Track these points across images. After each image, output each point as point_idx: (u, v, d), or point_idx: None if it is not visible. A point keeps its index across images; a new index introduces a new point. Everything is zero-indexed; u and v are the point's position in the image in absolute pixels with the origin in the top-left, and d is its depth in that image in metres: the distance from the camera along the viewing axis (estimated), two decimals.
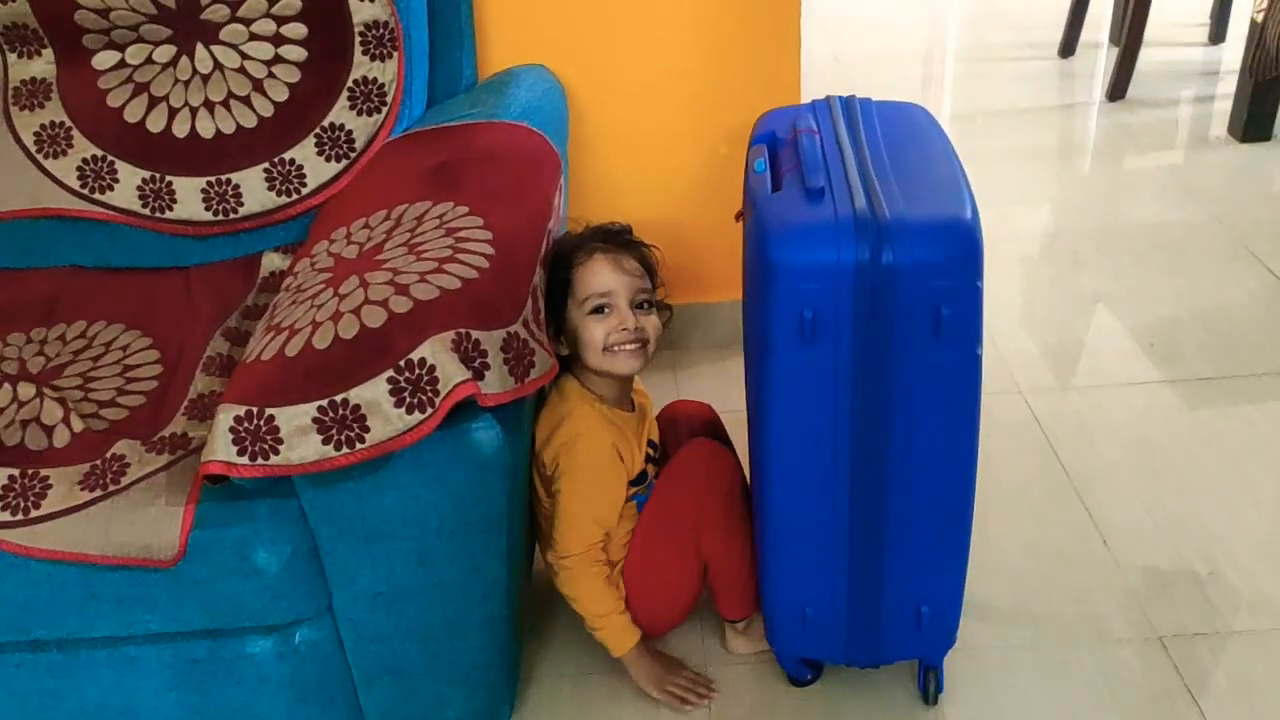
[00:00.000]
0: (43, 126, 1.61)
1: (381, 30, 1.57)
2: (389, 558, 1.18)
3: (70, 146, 1.61)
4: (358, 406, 1.08)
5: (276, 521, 1.16)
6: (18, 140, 1.61)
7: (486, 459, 1.14)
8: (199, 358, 1.44)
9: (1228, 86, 3.01)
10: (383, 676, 1.28)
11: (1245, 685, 1.41)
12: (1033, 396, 1.97)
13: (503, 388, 1.15)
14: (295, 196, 1.61)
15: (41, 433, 1.29)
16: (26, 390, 1.36)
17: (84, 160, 1.61)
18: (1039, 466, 1.81)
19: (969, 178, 1.21)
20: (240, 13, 1.56)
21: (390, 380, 1.09)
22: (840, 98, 1.41)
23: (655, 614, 1.48)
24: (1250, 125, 2.85)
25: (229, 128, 1.59)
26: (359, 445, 1.08)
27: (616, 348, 1.37)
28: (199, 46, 1.58)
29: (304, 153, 1.59)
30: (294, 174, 1.60)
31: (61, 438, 1.29)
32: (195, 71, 1.58)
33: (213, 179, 1.60)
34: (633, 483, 1.43)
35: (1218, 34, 3.53)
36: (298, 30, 1.56)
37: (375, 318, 1.12)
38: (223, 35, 1.57)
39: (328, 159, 1.60)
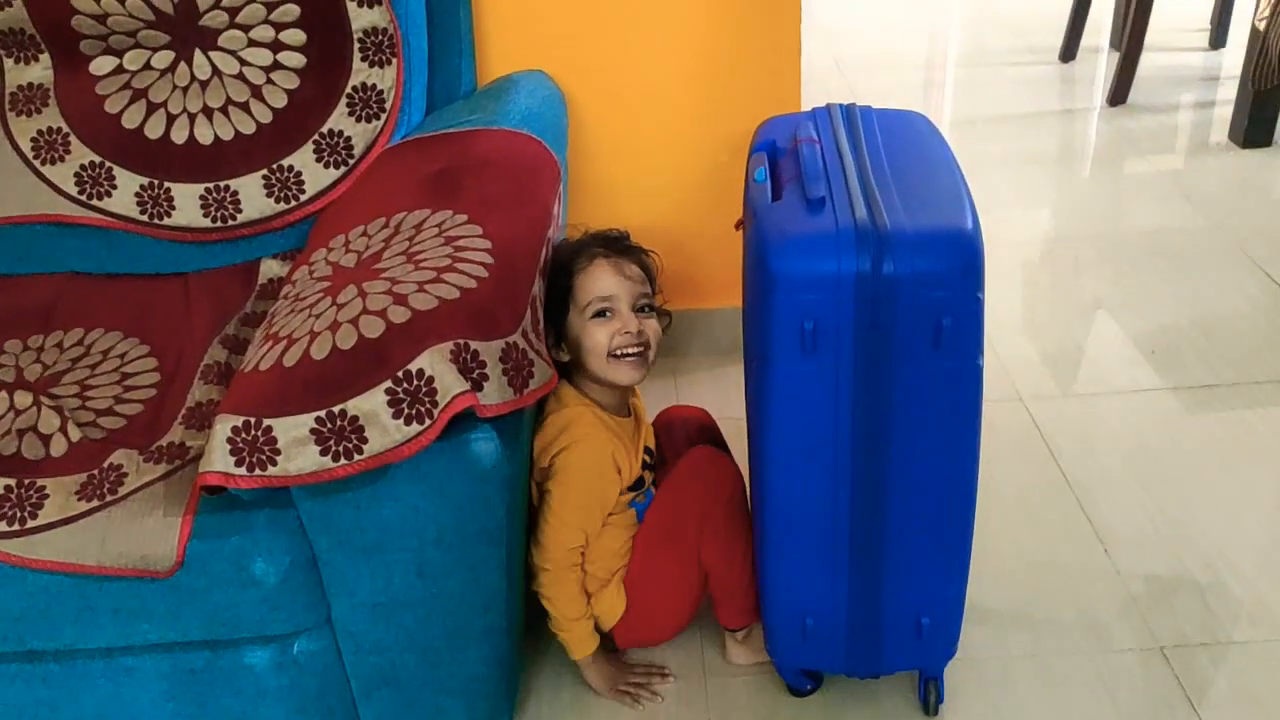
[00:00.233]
0: (40, 132, 1.61)
1: (380, 37, 1.57)
2: (387, 569, 1.18)
3: (68, 152, 1.60)
4: (356, 418, 1.08)
5: (275, 532, 1.16)
6: (15, 146, 1.61)
7: (485, 470, 1.14)
8: (197, 365, 1.43)
9: (1228, 92, 3.01)
10: (381, 687, 1.28)
11: (1246, 695, 1.41)
12: (1033, 403, 1.96)
13: (501, 399, 1.14)
14: (294, 203, 1.60)
15: (38, 442, 1.29)
16: (23, 399, 1.35)
17: (82, 166, 1.60)
18: (1039, 474, 1.80)
19: (969, 185, 1.21)
20: (239, 19, 1.55)
21: (388, 391, 1.08)
22: (841, 106, 1.40)
23: (656, 621, 1.48)
24: (1251, 131, 2.85)
25: (227, 134, 1.59)
26: (357, 456, 1.08)
27: (620, 352, 1.36)
28: (197, 53, 1.57)
29: (303, 159, 1.59)
30: (292, 181, 1.59)
31: (59, 447, 1.28)
32: (194, 78, 1.58)
33: (211, 185, 1.60)
34: (630, 489, 1.43)
35: (1218, 39, 3.52)
36: (296, 37, 1.56)
37: (373, 328, 1.12)
38: (221, 41, 1.56)
39: (326, 166, 1.59)
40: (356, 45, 1.57)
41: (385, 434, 1.08)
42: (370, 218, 1.37)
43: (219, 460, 1.08)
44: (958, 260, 1.11)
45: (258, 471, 1.07)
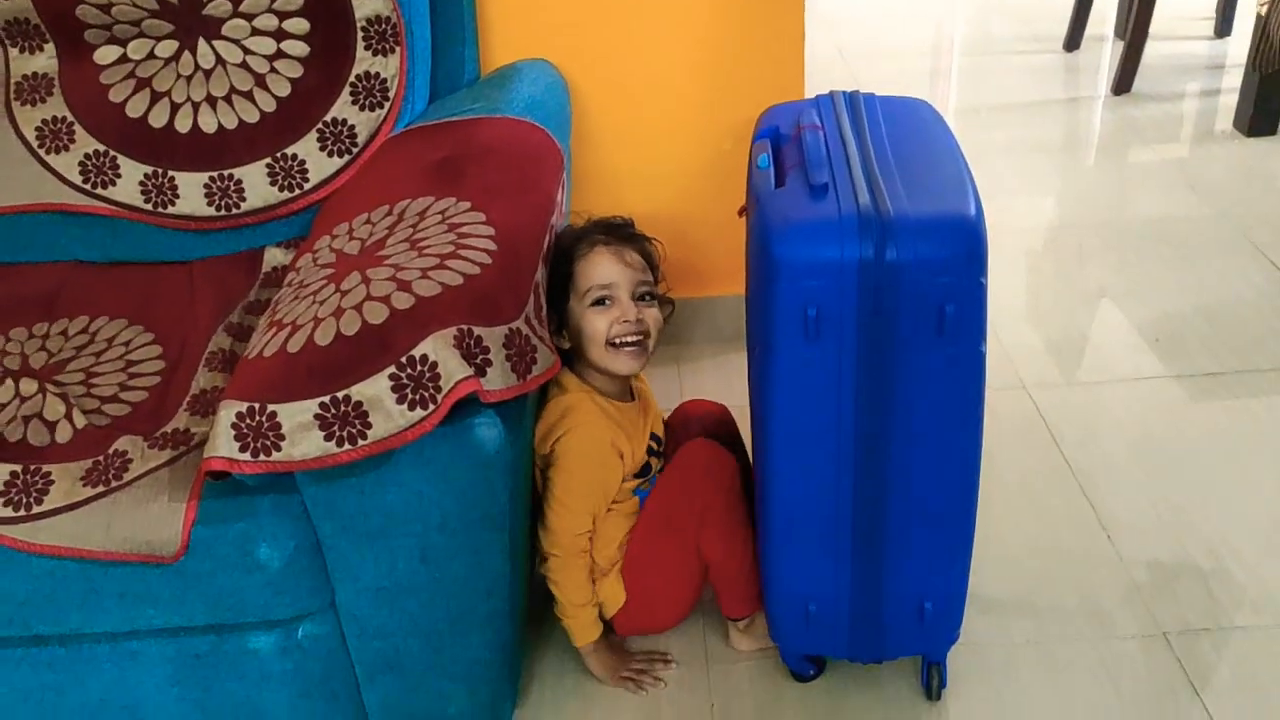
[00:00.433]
0: (45, 121, 1.61)
1: (384, 25, 1.57)
2: (391, 554, 1.18)
3: (72, 141, 1.61)
4: (360, 403, 1.08)
5: (279, 517, 1.16)
6: (19, 135, 1.61)
7: (489, 456, 1.14)
8: (201, 353, 1.44)
9: (1233, 80, 3.00)
10: (385, 672, 1.28)
11: (1249, 681, 1.41)
12: (1036, 391, 1.96)
13: (505, 384, 1.15)
14: (297, 191, 1.61)
15: (44, 428, 1.29)
16: (29, 386, 1.36)
17: (86, 155, 1.61)
18: (1042, 460, 1.81)
19: (974, 172, 1.21)
20: (242, 8, 1.55)
21: (392, 377, 1.08)
22: (844, 93, 1.40)
23: (656, 610, 1.48)
24: (1256, 119, 2.84)
25: (231, 123, 1.59)
26: (361, 442, 1.08)
27: (619, 340, 1.36)
28: (201, 41, 1.57)
29: (306, 148, 1.59)
30: (296, 169, 1.60)
31: (64, 433, 1.29)
32: (197, 66, 1.58)
33: (215, 174, 1.60)
34: (636, 475, 1.43)
35: (1223, 28, 3.51)
36: (300, 25, 1.56)
37: (377, 314, 1.12)
38: (225, 30, 1.57)
39: (330, 154, 1.59)
40: (360, 33, 1.57)
41: (389, 419, 1.08)
42: (374, 205, 1.37)
43: (223, 446, 1.08)
44: (961, 246, 1.10)
45: (262, 457, 1.08)
